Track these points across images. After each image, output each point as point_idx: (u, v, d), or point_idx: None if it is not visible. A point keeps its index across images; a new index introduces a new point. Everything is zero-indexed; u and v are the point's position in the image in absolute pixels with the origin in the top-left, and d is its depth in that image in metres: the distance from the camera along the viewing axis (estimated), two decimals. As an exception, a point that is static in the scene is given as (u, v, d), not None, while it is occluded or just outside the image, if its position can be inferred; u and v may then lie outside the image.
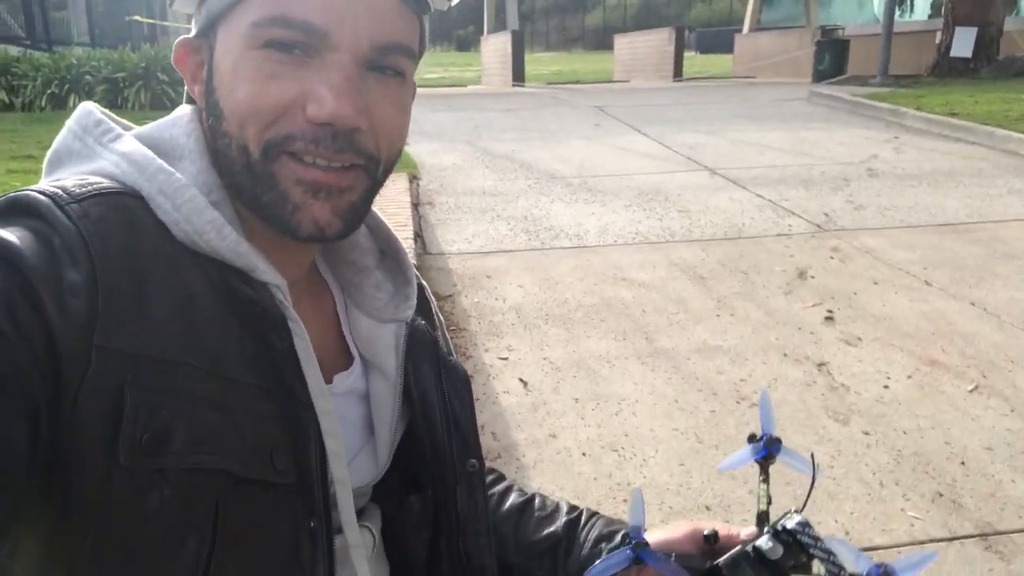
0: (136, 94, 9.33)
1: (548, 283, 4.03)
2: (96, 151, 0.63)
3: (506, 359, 3.17)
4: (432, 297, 0.85)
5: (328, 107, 0.59)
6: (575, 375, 3.02)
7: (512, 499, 0.91)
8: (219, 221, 0.61)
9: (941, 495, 2.24)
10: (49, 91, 9.31)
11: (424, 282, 0.84)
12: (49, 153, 0.65)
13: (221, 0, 0.62)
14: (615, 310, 3.68)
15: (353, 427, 0.77)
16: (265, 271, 0.63)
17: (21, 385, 0.50)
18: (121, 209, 0.58)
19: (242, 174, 0.63)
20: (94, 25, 13.58)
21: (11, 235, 0.53)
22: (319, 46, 0.60)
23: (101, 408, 0.53)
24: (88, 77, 9.41)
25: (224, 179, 0.65)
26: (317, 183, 0.62)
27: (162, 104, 9.26)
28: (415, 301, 0.78)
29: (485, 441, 2.53)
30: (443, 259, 4.41)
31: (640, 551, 0.75)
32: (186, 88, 0.69)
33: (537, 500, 0.92)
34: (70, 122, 0.65)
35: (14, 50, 10.39)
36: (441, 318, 0.85)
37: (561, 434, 2.60)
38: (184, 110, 0.69)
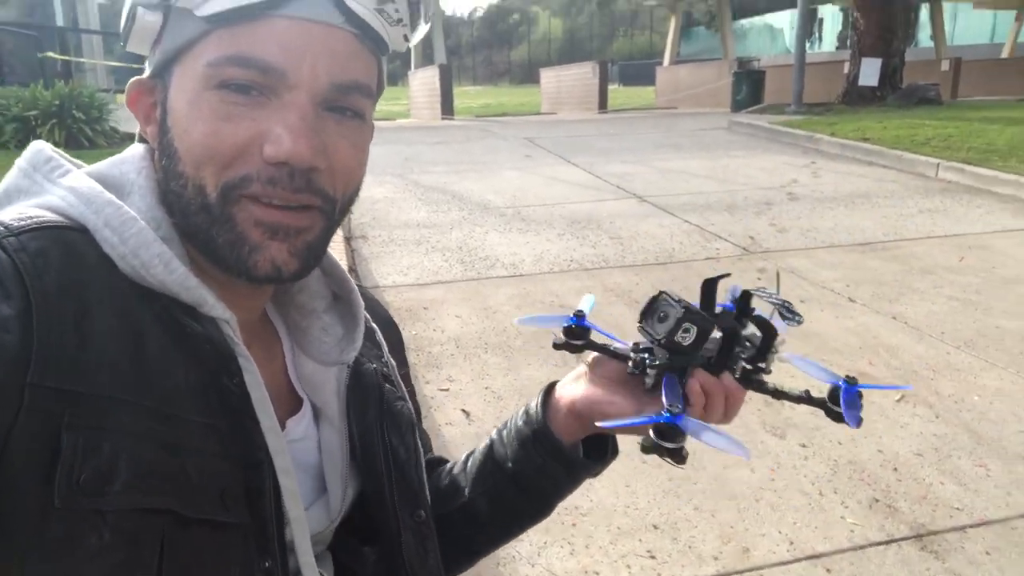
0: (50, 133, 8.97)
1: (486, 312, 4.03)
2: (44, 187, 0.61)
3: (447, 390, 3.14)
4: (384, 341, 0.83)
5: (285, 147, 0.58)
6: (518, 402, 3.01)
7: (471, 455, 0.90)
8: (167, 255, 0.59)
9: (877, 500, 2.31)
10: (-46, 131, 8.87)
11: (374, 325, 0.82)
12: None
13: (176, 40, 0.61)
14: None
15: (306, 474, 0.74)
16: (214, 306, 0.61)
17: None
18: (62, 242, 0.56)
19: (198, 215, 0.61)
20: (2, 62, 13.06)
21: None
22: (276, 86, 0.59)
23: (34, 448, 0.50)
24: (-1, 116, 9.02)
25: (176, 219, 0.63)
26: (275, 224, 0.61)
27: (78, 143, 8.94)
28: (359, 343, 0.76)
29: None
30: (379, 292, 4.35)
31: (580, 316, 0.79)
32: (138, 129, 0.68)
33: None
34: (19, 160, 0.63)
35: (-85, 89, 9.91)
36: (393, 361, 0.83)
37: (506, 462, 2.57)
38: (135, 149, 0.67)
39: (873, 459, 2.55)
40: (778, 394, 0.75)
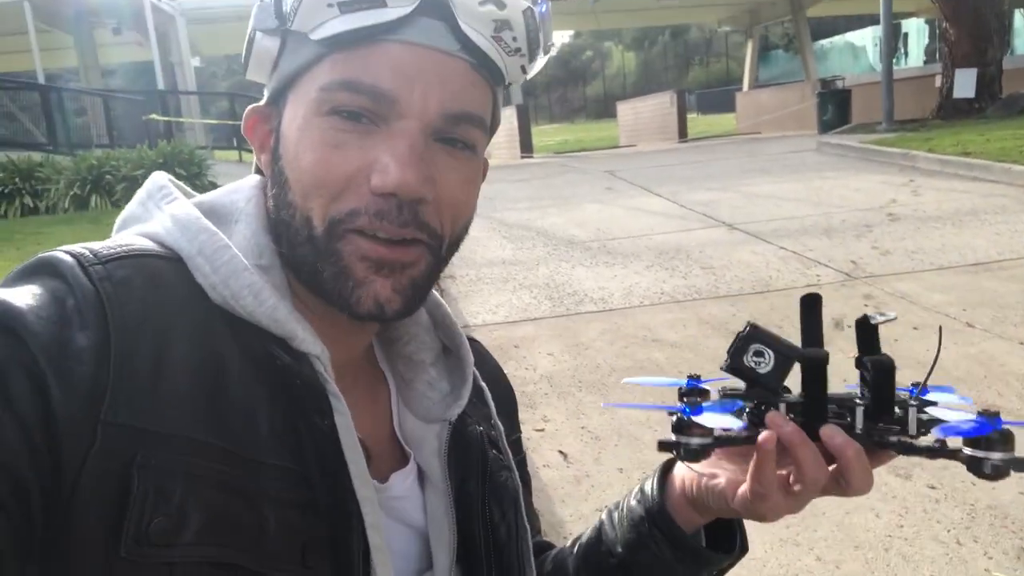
0: (155, 190, 9.53)
1: (578, 349, 3.95)
2: (152, 214, 0.61)
3: (542, 431, 3.06)
4: (492, 401, 0.75)
5: (392, 177, 0.55)
6: (616, 443, 2.91)
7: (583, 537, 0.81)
8: (257, 285, 0.56)
9: (1027, 550, 2.09)
10: (72, 192, 9.50)
11: (483, 384, 0.75)
12: (117, 220, 0.64)
13: (291, 65, 0.60)
14: (650, 372, 3.57)
15: (412, 538, 0.68)
16: (305, 340, 0.57)
17: (4, 463, 0.44)
18: (149, 271, 0.54)
19: (304, 246, 0.59)
20: (112, 127, 14.00)
21: (20, 297, 0.50)
22: (387, 113, 0.57)
23: (104, 490, 0.47)
24: (108, 176, 9.63)
25: (283, 249, 0.61)
26: (381, 259, 0.58)
27: (180, 198, 9.47)
28: (465, 400, 0.70)
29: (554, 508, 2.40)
30: (469, 331, 4.31)
31: (696, 378, 0.64)
32: (254, 159, 0.67)
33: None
34: (139, 191, 0.64)
35: (37, 156, 10.69)
36: (501, 425, 0.75)
37: (609, 507, 2.47)
38: (250, 179, 0.66)
39: (1016, 502, 2.31)
40: (904, 448, 0.58)
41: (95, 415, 0.47)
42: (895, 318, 0.60)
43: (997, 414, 0.54)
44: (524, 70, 0.63)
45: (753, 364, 0.60)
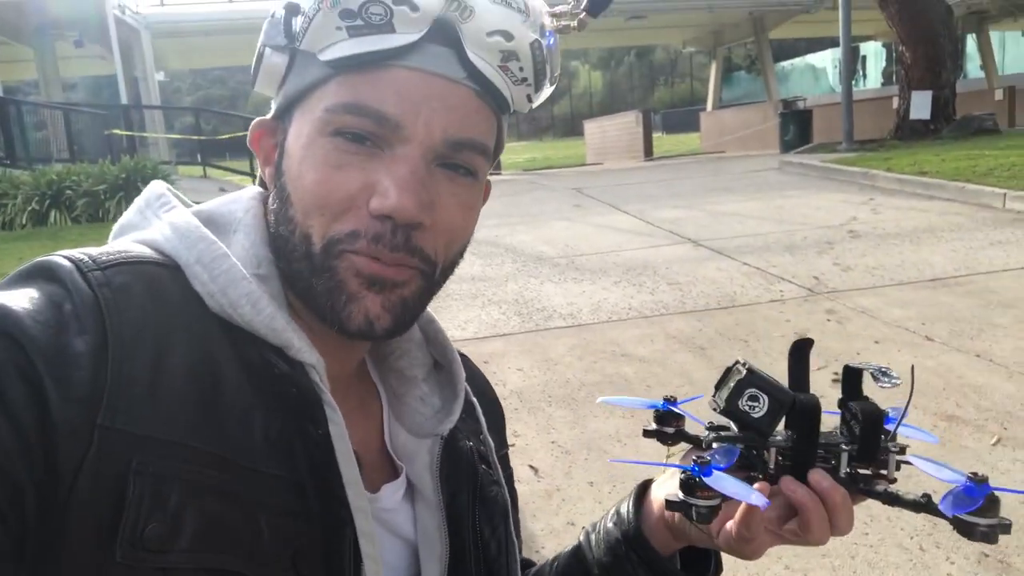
0: (117, 205, 9.36)
1: (547, 364, 3.96)
2: (150, 221, 0.62)
3: (513, 446, 3.06)
4: (483, 418, 0.76)
5: (391, 201, 0.57)
6: (586, 457, 2.92)
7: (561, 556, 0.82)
8: (255, 294, 0.57)
9: (987, 556, 2.14)
10: (30, 208, 9.31)
11: (475, 400, 0.76)
12: (114, 228, 0.65)
13: (299, 84, 0.61)
14: (618, 386, 3.60)
15: (401, 551, 0.69)
16: (301, 349, 0.58)
17: (0, 468, 0.45)
18: (148, 278, 0.55)
19: (301, 261, 0.60)
20: (73, 141, 13.75)
21: (17, 300, 0.50)
22: (390, 137, 0.58)
23: (101, 495, 0.47)
24: (69, 191, 9.45)
25: (280, 264, 0.62)
26: (374, 276, 0.59)
27: (143, 213, 9.31)
28: (456, 416, 0.71)
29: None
30: (438, 347, 4.33)
31: (672, 400, 0.70)
32: (258, 171, 0.68)
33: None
34: (138, 199, 0.65)
35: (-7, 170, 10.47)
36: (491, 441, 0.76)
37: (580, 520, 2.47)
38: (249, 190, 0.67)
39: (975, 509, 2.37)
40: (891, 499, 0.60)
41: (92, 420, 0.48)
42: (899, 384, 0.60)
43: (986, 479, 0.55)
44: (530, 99, 0.65)
45: (748, 408, 0.61)
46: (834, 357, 3.74)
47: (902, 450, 0.61)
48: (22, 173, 10.40)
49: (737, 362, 0.63)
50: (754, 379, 0.60)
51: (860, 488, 0.60)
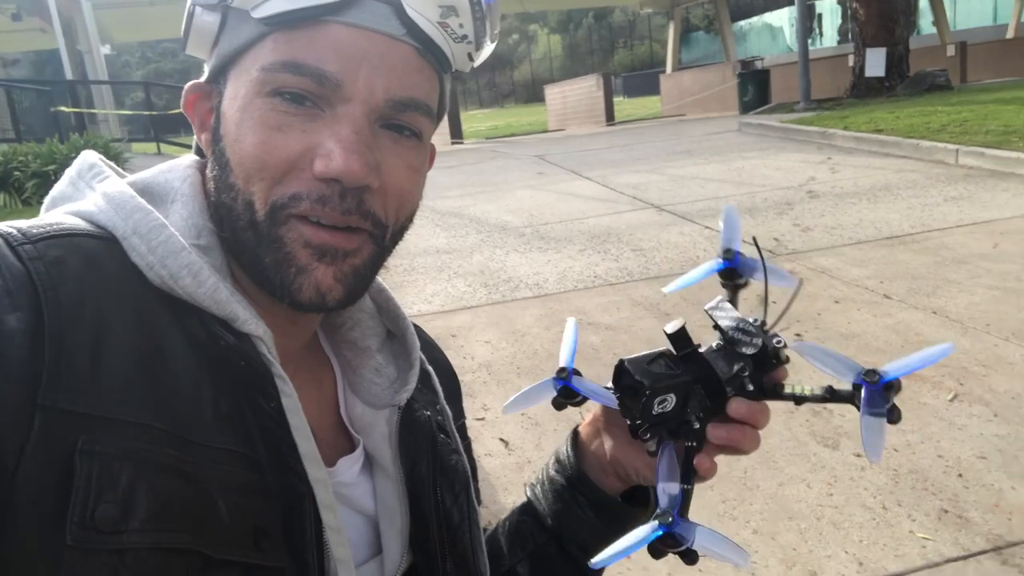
0: (67, 186, 9.08)
1: (515, 336, 3.96)
2: (83, 193, 0.59)
3: (483, 419, 3.07)
4: (440, 387, 0.76)
5: (336, 163, 0.54)
6: (556, 428, 2.93)
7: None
8: (196, 265, 0.55)
9: (946, 511, 2.21)
10: (-25, 191, 8.99)
11: (430, 368, 0.75)
12: (46, 200, 0.62)
13: (232, 43, 0.58)
14: (586, 356, 3.62)
15: (360, 525, 0.67)
16: (247, 320, 0.56)
17: None
18: (83, 251, 0.52)
19: (246, 231, 0.57)
20: (18, 120, 13.26)
21: None
22: (331, 97, 0.56)
23: (45, 479, 0.45)
24: (17, 172, 9.13)
25: (225, 234, 0.59)
26: (323, 245, 0.57)
27: (95, 194, 9.05)
28: (413, 385, 0.70)
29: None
30: (404, 323, 4.30)
31: (564, 377, 0.71)
32: (194, 138, 0.65)
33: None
34: (69, 170, 0.62)
35: (-66, 153, 10.06)
36: (449, 410, 0.76)
37: (551, 493, 2.49)
38: (185, 158, 0.64)
39: (935, 466, 2.44)
40: (799, 399, 0.64)
41: (32, 400, 0.45)
42: (758, 346, 0.63)
43: (877, 374, 0.58)
44: (471, 57, 0.63)
45: (662, 410, 0.62)
46: (795, 318, 3.80)
47: (784, 344, 0.65)
48: (-35, 155, 10.02)
49: (623, 362, 0.63)
50: (658, 385, 0.61)
51: (771, 396, 0.65)
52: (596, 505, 0.74)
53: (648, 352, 0.64)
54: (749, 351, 0.63)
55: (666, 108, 21.92)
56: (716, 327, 0.66)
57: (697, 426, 0.64)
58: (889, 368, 0.58)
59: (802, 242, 5.16)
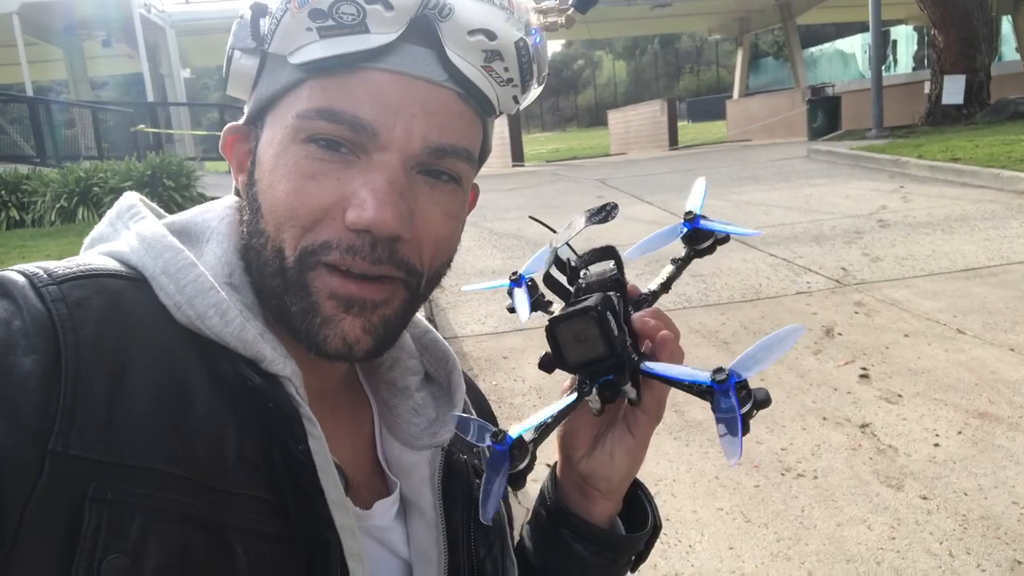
0: (143, 202, 9.46)
1: (567, 360, 3.91)
2: (120, 233, 0.59)
3: (531, 444, 3.02)
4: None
5: (368, 214, 0.53)
6: (605, 456, 2.87)
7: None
8: (224, 304, 0.53)
9: (1020, 563, 2.05)
10: (58, 205, 9.42)
11: (472, 411, 0.73)
12: (85, 241, 0.62)
13: (270, 88, 0.57)
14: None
15: (393, 571, 0.65)
16: (275, 361, 0.54)
17: None
18: (109, 292, 0.51)
19: (274, 277, 0.56)
20: (102, 139, 13.94)
21: None
22: (367, 144, 0.54)
23: (53, 527, 0.43)
24: (96, 188, 9.55)
25: (253, 279, 0.58)
26: (351, 297, 0.55)
27: (169, 210, 9.28)
28: (454, 426, 0.67)
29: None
30: (458, 343, 4.30)
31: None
32: (233, 183, 0.65)
33: None
34: (109, 211, 0.62)
35: (24, 168, 10.62)
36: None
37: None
38: (226, 199, 0.64)
39: (1008, 513, 2.28)
40: (667, 286, 0.71)
41: (42, 447, 0.44)
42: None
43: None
44: (516, 100, 0.61)
45: (584, 350, 0.59)
46: (862, 351, 3.64)
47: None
48: (51, 171, 10.55)
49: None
50: (603, 306, 0.59)
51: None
52: (582, 537, 0.71)
53: (560, 315, 0.60)
54: (613, 273, 0.64)
55: (732, 133, 21.62)
56: (571, 271, 0.67)
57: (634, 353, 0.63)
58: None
59: (871, 272, 4.97)
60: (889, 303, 4.34)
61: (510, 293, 0.76)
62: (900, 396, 3.14)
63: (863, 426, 2.91)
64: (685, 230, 0.71)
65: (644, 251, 0.72)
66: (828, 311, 4.30)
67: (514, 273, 0.76)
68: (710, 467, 2.70)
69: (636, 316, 0.66)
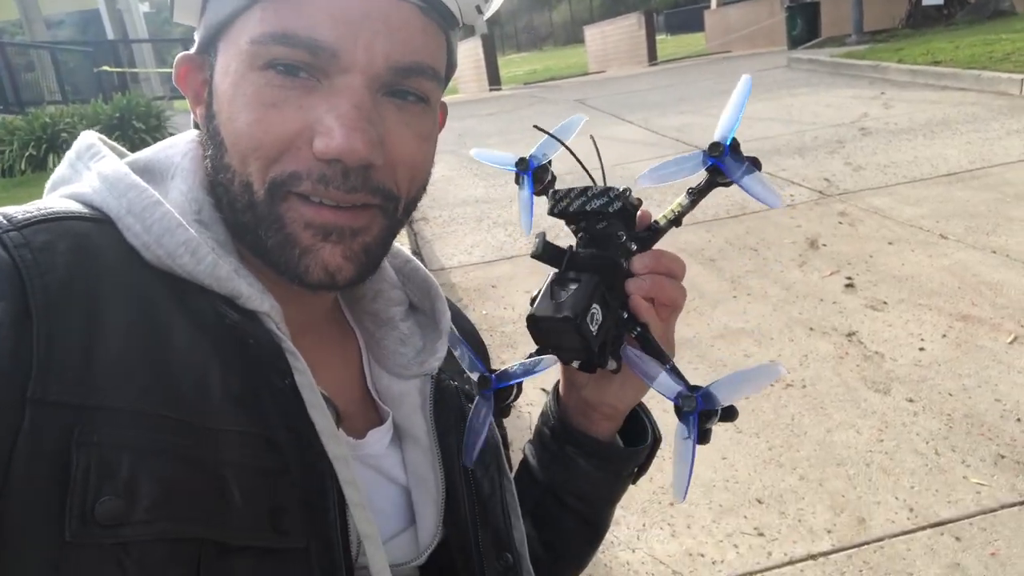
0: (114, 145, 9.22)
1: (556, 285, 3.93)
2: (81, 174, 0.57)
3: (525, 369, 3.06)
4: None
5: (336, 142, 0.51)
6: (598, 377, 2.92)
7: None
8: (194, 242, 0.52)
9: (1003, 456, 2.14)
10: (28, 153, 9.18)
11: (459, 336, 0.73)
12: (47, 184, 0.60)
13: (219, 12, 0.54)
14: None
15: (392, 495, 0.66)
16: (251, 297, 0.54)
17: None
18: (74, 234, 0.50)
19: (245, 212, 0.55)
20: (64, 82, 13.48)
21: None
22: (327, 67, 0.52)
23: (41, 475, 0.43)
24: (64, 134, 9.28)
25: (224, 214, 0.57)
26: (327, 225, 0.53)
27: (141, 152, 9.19)
28: (443, 353, 0.68)
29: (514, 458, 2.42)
30: (445, 274, 4.30)
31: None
32: (192, 115, 0.62)
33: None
34: (69, 152, 0.60)
35: (-14, 117, 10.30)
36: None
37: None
38: (188, 133, 0.62)
39: (991, 410, 2.36)
40: (677, 221, 0.70)
41: (21, 394, 0.43)
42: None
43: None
44: (480, 10, 0.59)
45: (597, 325, 0.60)
46: (846, 261, 3.68)
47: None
48: (15, 118, 10.22)
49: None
50: (578, 312, 0.59)
51: (656, 238, 0.68)
52: (585, 452, 0.73)
53: (538, 294, 0.63)
54: (616, 206, 0.64)
55: (711, 45, 21.19)
56: (569, 215, 0.67)
57: (626, 314, 0.64)
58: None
59: (854, 182, 4.97)
60: (872, 212, 4.36)
61: (518, 181, 0.73)
62: (885, 303, 3.19)
63: (850, 334, 2.97)
64: (709, 163, 0.66)
65: (658, 180, 0.69)
66: (812, 223, 4.32)
67: (521, 160, 0.72)
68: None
69: (632, 285, 0.65)
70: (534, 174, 0.72)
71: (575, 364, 0.65)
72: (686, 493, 0.58)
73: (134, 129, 9.35)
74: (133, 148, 0.62)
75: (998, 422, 2.29)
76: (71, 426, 0.44)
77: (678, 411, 0.58)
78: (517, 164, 0.72)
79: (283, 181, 0.53)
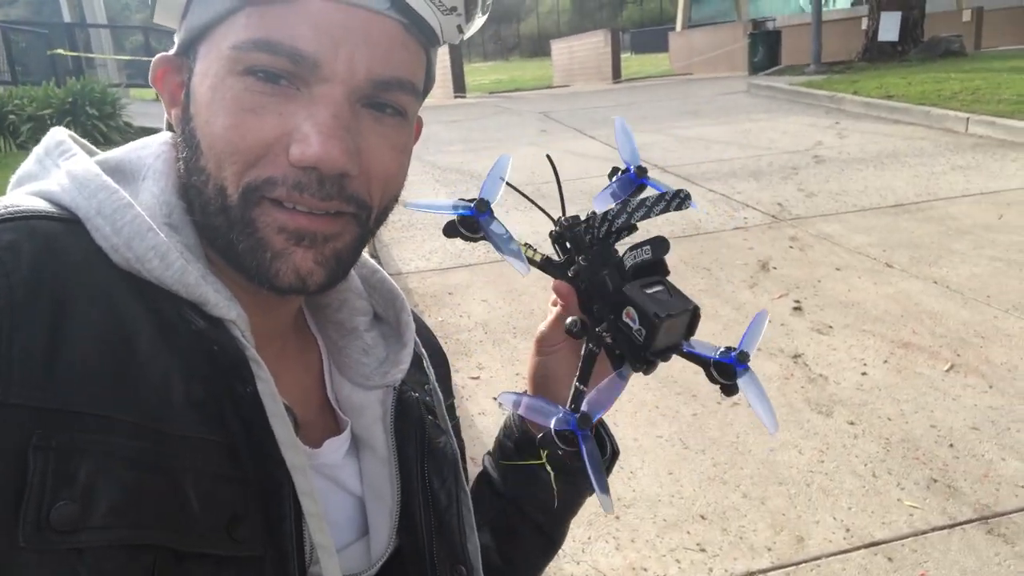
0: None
1: (512, 295, 3.94)
2: (49, 171, 0.56)
3: (477, 378, 3.06)
4: (431, 369, 0.75)
5: (313, 150, 0.51)
6: (550, 388, 2.93)
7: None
8: (163, 246, 0.52)
9: (935, 481, 2.21)
10: (-28, 134, 8.88)
11: (423, 351, 0.74)
12: (12, 179, 0.58)
13: (203, 15, 0.54)
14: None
15: (346, 507, 0.66)
16: (218, 304, 0.53)
17: None
18: (41, 234, 0.49)
19: (218, 216, 0.54)
20: (14, 62, 13.04)
21: None
22: (308, 76, 0.52)
23: None
24: (12, 116, 8.98)
25: (196, 217, 0.56)
26: (300, 230, 0.54)
27: (93, 140, 8.88)
28: (406, 365, 0.68)
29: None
30: (402, 279, 4.28)
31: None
32: (165, 116, 0.61)
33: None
34: (37, 147, 0.59)
35: (-70, 94, 9.91)
36: (439, 393, 0.74)
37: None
38: (161, 135, 0.61)
39: (927, 435, 2.44)
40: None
41: None
42: None
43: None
44: (460, 30, 0.60)
45: (632, 326, 0.62)
46: (795, 285, 3.77)
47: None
48: (-39, 97, 9.88)
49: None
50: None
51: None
52: (546, 464, 0.74)
53: (636, 305, 0.62)
54: (686, 205, 0.66)
55: (675, 66, 21.56)
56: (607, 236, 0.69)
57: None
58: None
59: (805, 208, 5.11)
60: (822, 238, 4.48)
61: (473, 227, 0.66)
62: (831, 327, 3.28)
63: (795, 356, 3.04)
64: (636, 184, 0.72)
65: (607, 203, 0.71)
66: (764, 246, 4.42)
67: (479, 200, 0.67)
68: (651, 397, 2.79)
69: None
70: (477, 209, 0.66)
71: (631, 368, 0.66)
72: (776, 423, 0.63)
73: (87, 115, 9.10)
74: (86, 134, 0.61)
75: (932, 447, 2.37)
76: (31, 429, 0.44)
77: (728, 369, 0.67)
78: (477, 206, 0.66)
79: (258, 186, 0.53)
